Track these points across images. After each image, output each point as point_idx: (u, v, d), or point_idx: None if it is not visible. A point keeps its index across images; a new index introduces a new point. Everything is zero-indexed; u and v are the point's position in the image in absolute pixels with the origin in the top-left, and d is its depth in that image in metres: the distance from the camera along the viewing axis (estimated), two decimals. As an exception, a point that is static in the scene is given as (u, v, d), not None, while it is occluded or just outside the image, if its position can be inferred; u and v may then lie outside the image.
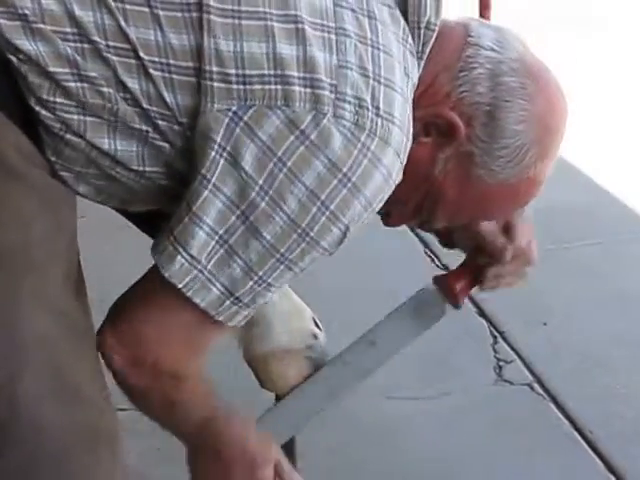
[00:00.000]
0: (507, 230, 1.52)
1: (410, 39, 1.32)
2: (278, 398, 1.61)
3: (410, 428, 2.55)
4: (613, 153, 4.16)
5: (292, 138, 1.23)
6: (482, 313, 3.02)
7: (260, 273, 1.28)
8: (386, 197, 1.29)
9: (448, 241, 1.59)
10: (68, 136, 1.26)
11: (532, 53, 1.37)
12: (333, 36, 1.25)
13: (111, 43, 1.23)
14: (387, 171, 1.27)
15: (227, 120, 1.23)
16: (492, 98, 1.32)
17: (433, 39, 1.33)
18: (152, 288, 1.33)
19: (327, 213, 1.25)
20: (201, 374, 1.39)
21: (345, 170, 1.24)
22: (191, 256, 1.26)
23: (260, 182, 1.24)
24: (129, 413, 1.48)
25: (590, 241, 3.51)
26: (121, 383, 1.37)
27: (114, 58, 1.23)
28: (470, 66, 1.33)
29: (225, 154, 1.23)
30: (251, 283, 1.29)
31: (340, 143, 1.23)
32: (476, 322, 2.99)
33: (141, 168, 1.29)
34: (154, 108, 1.25)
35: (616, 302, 3.09)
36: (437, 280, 1.58)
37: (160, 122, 1.26)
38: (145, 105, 1.25)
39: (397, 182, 1.29)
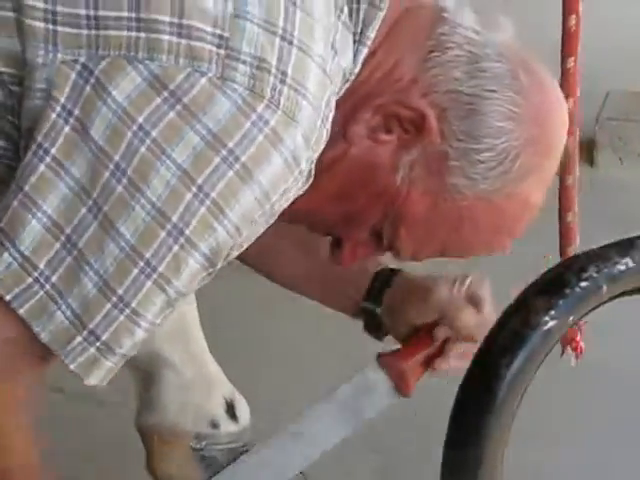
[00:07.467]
0: (472, 300, 1.31)
1: (346, 10, 1.08)
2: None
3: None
4: None
5: (158, 101, 0.99)
6: None
7: (120, 291, 1.00)
8: (292, 195, 1.05)
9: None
10: None
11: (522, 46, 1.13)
12: None
13: None
14: (292, 156, 1.02)
15: (74, 75, 1.00)
16: (472, 86, 1.10)
17: (380, 19, 1.10)
18: None
19: (207, 202, 0.99)
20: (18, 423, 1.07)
21: (231, 145, 0.99)
22: (23, 255, 0.99)
23: (116, 158, 0.99)
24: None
25: None
26: None
27: None
28: (444, 46, 1.11)
29: (72, 120, 1.00)
30: (109, 306, 1.00)
31: (226, 111, 0.99)
32: None
33: None
34: None
35: None
36: (382, 361, 1.29)
37: None
38: None
39: (307, 177, 1.06)
